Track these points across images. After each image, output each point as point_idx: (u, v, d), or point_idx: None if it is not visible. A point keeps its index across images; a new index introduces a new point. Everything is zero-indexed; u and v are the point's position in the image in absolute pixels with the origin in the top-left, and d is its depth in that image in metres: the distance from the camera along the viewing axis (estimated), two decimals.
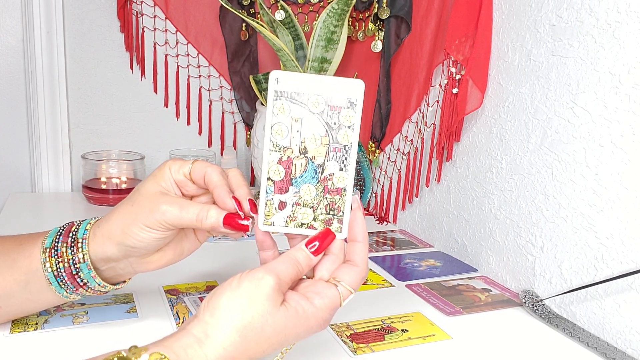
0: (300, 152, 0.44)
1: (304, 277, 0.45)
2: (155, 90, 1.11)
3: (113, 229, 0.47)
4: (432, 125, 0.87)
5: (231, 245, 0.82)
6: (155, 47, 1.08)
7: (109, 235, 0.47)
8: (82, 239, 0.48)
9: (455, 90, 0.80)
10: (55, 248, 0.48)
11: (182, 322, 0.56)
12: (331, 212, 0.45)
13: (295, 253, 0.43)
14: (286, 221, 0.45)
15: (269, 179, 0.44)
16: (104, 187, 0.99)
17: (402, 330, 0.59)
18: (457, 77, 0.79)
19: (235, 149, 1.19)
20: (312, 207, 0.44)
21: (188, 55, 1.11)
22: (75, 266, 0.47)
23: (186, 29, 1.09)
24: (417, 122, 0.92)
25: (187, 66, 1.12)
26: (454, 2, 0.78)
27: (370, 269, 0.77)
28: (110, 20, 1.05)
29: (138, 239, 0.46)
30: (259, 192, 0.45)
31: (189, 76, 1.12)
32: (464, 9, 0.77)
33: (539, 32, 0.68)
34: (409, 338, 0.57)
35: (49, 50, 1.00)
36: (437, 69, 0.85)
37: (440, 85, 0.84)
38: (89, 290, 0.49)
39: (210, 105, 1.16)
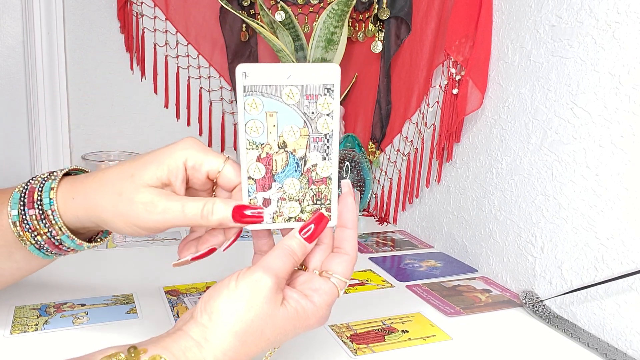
0: (279, 146, 0.41)
1: (298, 267, 0.44)
2: (155, 91, 1.11)
3: (95, 214, 0.43)
4: (432, 126, 0.87)
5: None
6: (155, 48, 1.08)
7: (87, 215, 0.43)
8: (52, 212, 0.43)
9: (455, 91, 0.80)
10: (25, 222, 0.44)
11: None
12: (318, 202, 0.43)
13: (289, 242, 0.42)
14: (273, 217, 0.43)
15: (249, 177, 0.42)
16: None
17: (403, 330, 0.59)
18: (457, 77, 0.79)
19: (235, 149, 1.19)
20: (298, 200, 0.43)
21: (188, 56, 1.11)
22: (56, 238, 0.44)
23: (186, 30, 1.10)
24: (417, 122, 0.92)
25: (188, 67, 1.12)
26: (454, 3, 0.78)
27: (371, 270, 0.77)
28: (110, 21, 1.05)
29: (126, 232, 0.42)
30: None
31: (189, 77, 1.12)
32: (464, 9, 0.77)
33: (538, 33, 0.68)
34: (409, 339, 0.57)
35: (50, 51, 1.00)
36: (437, 70, 0.85)
37: (440, 85, 0.84)
38: (78, 250, 0.47)
39: (210, 106, 1.16)
